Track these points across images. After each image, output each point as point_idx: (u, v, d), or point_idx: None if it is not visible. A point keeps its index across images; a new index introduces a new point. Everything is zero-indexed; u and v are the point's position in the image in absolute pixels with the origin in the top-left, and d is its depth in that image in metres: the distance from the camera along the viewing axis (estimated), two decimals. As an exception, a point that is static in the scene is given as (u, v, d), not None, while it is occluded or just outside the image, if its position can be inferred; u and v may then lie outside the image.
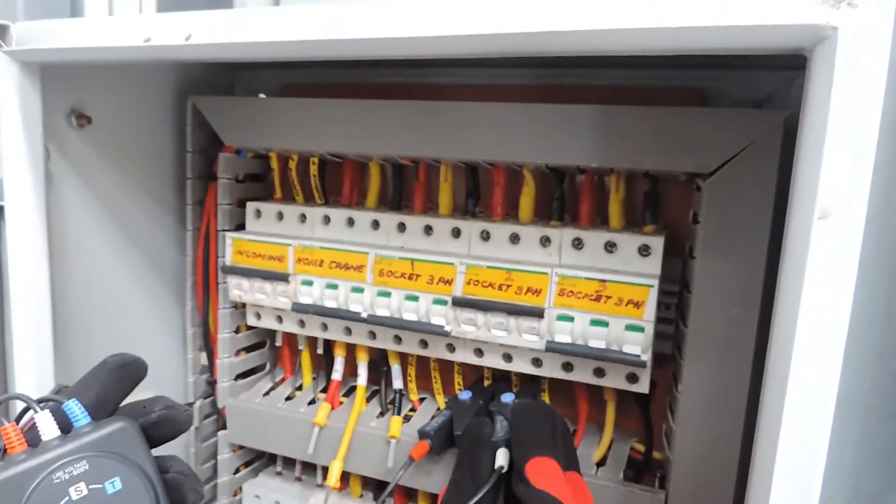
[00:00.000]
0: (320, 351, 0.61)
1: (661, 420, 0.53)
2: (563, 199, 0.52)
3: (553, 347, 0.47)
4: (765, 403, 0.32)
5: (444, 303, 0.50)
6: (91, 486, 0.30)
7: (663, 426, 0.53)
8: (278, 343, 0.63)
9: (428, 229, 0.52)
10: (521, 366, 0.51)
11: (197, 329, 0.62)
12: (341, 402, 0.59)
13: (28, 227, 0.46)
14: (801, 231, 0.29)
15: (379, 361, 0.59)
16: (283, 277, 0.55)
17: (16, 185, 0.45)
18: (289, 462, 0.66)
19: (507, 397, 0.50)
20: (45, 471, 0.29)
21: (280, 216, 0.57)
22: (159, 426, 0.33)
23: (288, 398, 0.61)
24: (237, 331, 0.62)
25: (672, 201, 0.51)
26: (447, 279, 0.50)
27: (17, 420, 0.32)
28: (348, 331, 0.56)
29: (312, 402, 0.60)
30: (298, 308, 0.54)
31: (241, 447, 0.64)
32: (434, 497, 0.58)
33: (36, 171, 0.46)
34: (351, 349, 0.59)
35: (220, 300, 0.60)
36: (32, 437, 0.31)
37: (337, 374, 0.59)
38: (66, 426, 0.31)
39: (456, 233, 0.51)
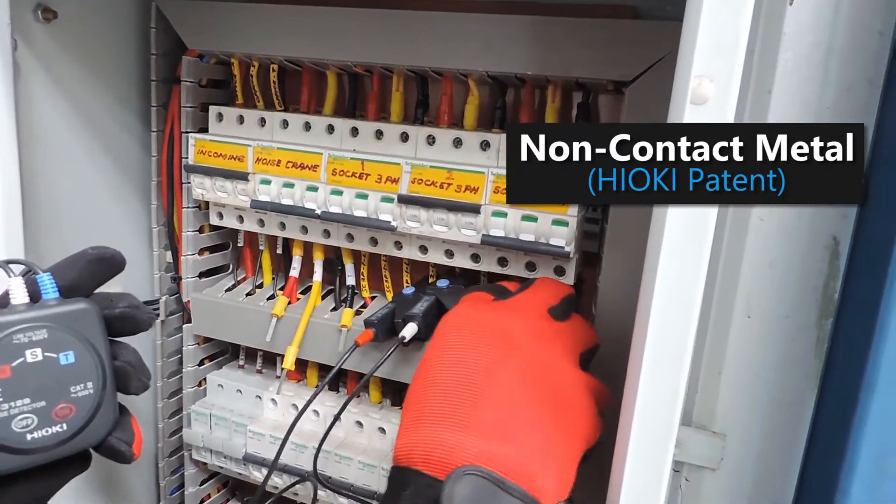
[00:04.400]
0: (280, 251, 0.65)
1: (588, 314, 0.58)
2: (505, 108, 0.56)
3: (488, 241, 0.51)
4: (643, 287, 0.37)
5: (390, 200, 0.54)
6: (46, 354, 0.32)
7: (589, 320, 0.58)
8: (240, 244, 0.67)
9: (379, 134, 0.56)
10: (462, 261, 0.55)
11: (162, 228, 0.66)
12: (298, 299, 0.64)
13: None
14: (676, 118, 0.33)
15: (334, 261, 0.64)
16: (243, 176, 0.58)
17: (-17, 73, 0.48)
18: (250, 356, 0.71)
19: (442, 282, 0.55)
20: (7, 329, 0.32)
21: (241, 120, 0.60)
22: (120, 321, 0.35)
23: (248, 294, 0.66)
24: (201, 230, 0.66)
25: (605, 113, 0.55)
26: (394, 178, 0.54)
27: None
28: (304, 230, 0.60)
29: (271, 297, 0.65)
30: (257, 205, 0.58)
31: (205, 340, 0.69)
32: (380, 381, 0.63)
33: (4, 60, 0.48)
34: (308, 249, 0.64)
35: (184, 200, 0.63)
36: (2, 300, 0.34)
37: (294, 271, 0.64)
38: (35, 297, 0.34)
39: (404, 137, 0.55)
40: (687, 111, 0.33)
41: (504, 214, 0.51)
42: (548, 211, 0.49)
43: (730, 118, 0.33)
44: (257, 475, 0.65)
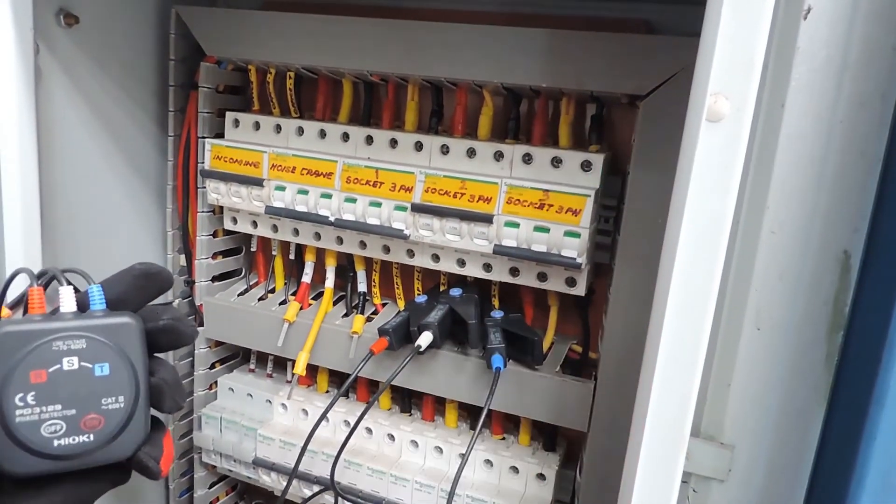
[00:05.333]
0: (292, 257, 0.66)
1: (599, 325, 0.59)
2: (519, 119, 0.56)
3: (500, 251, 0.52)
4: (655, 300, 0.37)
5: (404, 209, 0.54)
6: (82, 363, 0.33)
7: (600, 331, 0.58)
8: (253, 248, 0.68)
9: (393, 142, 0.57)
10: (474, 270, 0.56)
11: (176, 231, 0.67)
12: (310, 304, 0.65)
13: (18, 119, 0.50)
14: (692, 135, 0.34)
15: (346, 268, 0.64)
16: (258, 182, 0.59)
17: (6, 77, 0.48)
18: (261, 361, 0.71)
19: (455, 291, 0.56)
20: (50, 335, 0.32)
21: (257, 126, 0.61)
22: (163, 334, 0.35)
23: (261, 299, 0.66)
24: (214, 234, 0.67)
25: (619, 126, 0.56)
26: (408, 187, 0.54)
27: (45, 287, 0.35)
28: (317, 236, 0.61)
29: (283, 302, 0.65)
30: (271, 211, 0.59)
31: (217, 343, 0.69)
32: (390, 388, 0.64)
33: (26, 64, 0.49)
34: (320, 255, 0.64)
35: (199, 204, 0.64)
36: (52, 306, 0.34)
37: (307, 277, 0.64)
38: (83, 307, 0.34)
39: (418, 146, 0.56)
40: (703, 129, 0.33)
41: (516, 225, 0.51)
42: (560, 222, 0.50)
43: (745, 136, 0.33)
44: (266, 479, 0.66)
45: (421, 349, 0.52)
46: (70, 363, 0.33)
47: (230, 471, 0.69)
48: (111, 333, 0.34)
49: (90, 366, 0.33)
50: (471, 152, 0.54)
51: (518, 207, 0.51)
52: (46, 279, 0.36)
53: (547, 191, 0.50)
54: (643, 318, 0.51)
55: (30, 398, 0.33)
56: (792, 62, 0.39)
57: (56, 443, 0.33)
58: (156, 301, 0.37)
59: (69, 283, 0.35)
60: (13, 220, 0.51)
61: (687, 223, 0.34)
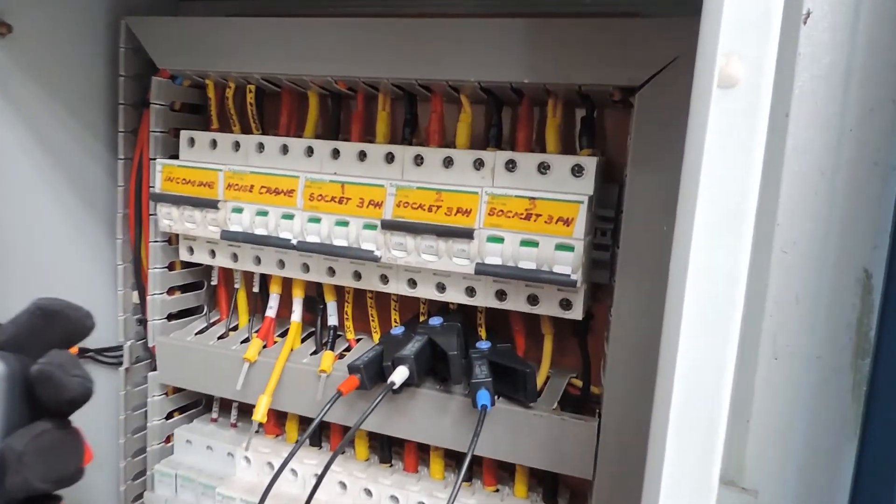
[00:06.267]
0: (256, 289, 0.59)
1: (600, 355, 0.52)
2: (500, 127, 0.51)
3: (483, 270, 0.45)
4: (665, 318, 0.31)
5: (374, 227, 0.48)
6: None
7: (602, 362, 0.51)
8: (214, 282, 0.61)
9: (362, 155, 0.51)
10: (455, 295, 0.49)
11: (128, 265, 0.60)
12: (275, 342, 0.58)
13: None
14: (700, 108, 0.28)
15: (315, 300, 0.58)
16: (213, 204, 0.53)
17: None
18: (224, 408, 0.64)
19: (435, 320, 0.49)
20: None
21: (214, 144, 0.55)
22: (39, 384, 0.28)
23: (221, 337, 0.59)
24: (171, 267, 0.60)
25: (611, 132, 0.50)
26: (377, 202, 0.48)
27: None
28: (281, 264, 0.54)
29: (246, 341, 0.58)
30: (228, 236, 0.53)
31: (174, 390, 0.62)
32: (367, 435, 0.56)
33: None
34: (287, 286, 0.58)
35: (152, 233, 0.58)
36: None
37: (271, 310, 0.57)
38: None
39: (389, 158, 0.50)
40: (714, 98, 0.27)
41: (500, 240, 0.45)
42: (551, 233, 0.43)
43: (765, 102, 0.27)
44: (227, 545, 0.57)
45: (395, 386, 0.45)
46: None
47: (187, 537, 0.60)
48: None
49: None
50: (447, 162, 0.48)
51: (502, 219, 0.45)
52: None
53: (534, 199, 0.44)
54: (651, 343, 0.44)
55: None
56: (794, 69, 0.34)
57: None
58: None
59: None
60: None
61: (700, 217, 0.28)
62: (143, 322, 0.60)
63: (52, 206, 0.56)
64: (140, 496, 0.64)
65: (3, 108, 0.51)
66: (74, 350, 0.30)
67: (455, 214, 0.46)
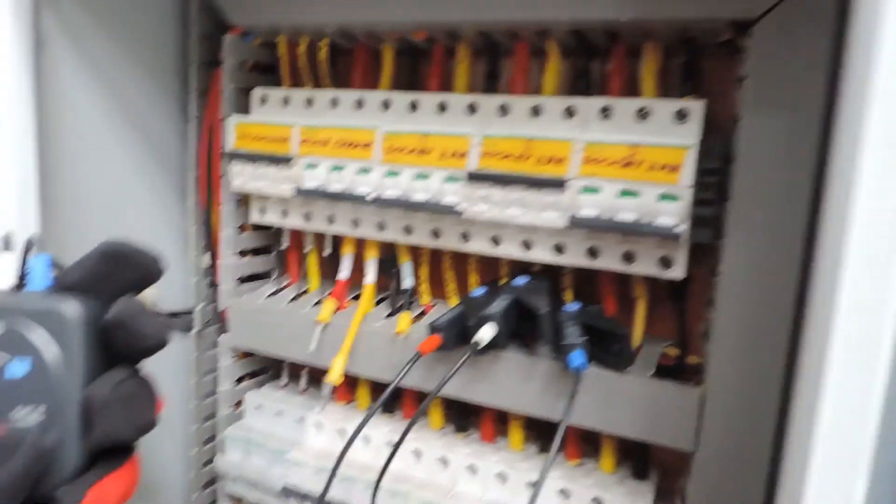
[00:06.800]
0: (328, 252, 0.57)
1: (698, 322, 0.48)
2: (589, 77, 0.47)
3: (577, 222, 0.42)
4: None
5: (456, 180, 0.45)
6: None
7: (704, 328, 0.47)
8: (284, 246, 0.60)
9: (442, 107, 0.48)
10: (542, 254, 0.46)
11: (199, 227, 0.59)
12: (348, 305, 0.56)
13: (13, 86, 0.43)
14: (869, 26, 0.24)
15: (389, 262, 0.55)
16: (287, 160, 0.51)
17: (2, 41, 0.42)
18: (294, 375, 0.63)
19: (521, 279, 0.46)
20: None
21: (286, 101, 0.54)
22: (113, 331, 0.27)
23: (292, 300, 0.58)
24: (242, 229, 0.59)
25: (715, 78, 0.46)
26: (461, 153, 0.45)
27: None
28: (356, 223, 0.52)
29: (317, 304, 0.56)
30: (302, 193, 0.51)
31: (245, 355, 0.61)
32: (443, 402, 0.54)
33: (26, 27, 0.43)
34: (360, 248, 0.56)
35: (224, 195, 0.57)
36: None
37: (344, 272, 0.55)
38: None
39: (471, 109, 0.47)
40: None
41: (597, 190, 0.41)
42: (654, 182, 0.40)
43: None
44: (299, 513, 0.56)
45: (480, 345, 0.42)
46: None
47: (257, 504, 0.59)
48: (42, 321, 0.25)
49: (9, 357, 0.25)
50: (535, 110, 0.45)
51: (598, 168, 0.41)
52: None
53: (636, 144, 0.40)
54: (764, 306, 0.40)
55: None
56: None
57: None
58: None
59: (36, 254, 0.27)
60: (7, 211, 0.44)
61: (868, 161, 0.24)
62: (213, 285, 0.59)
63: (123, 163, 0.55)
64: (210, 461, 0.63)
65: (78, 60, 0.50)
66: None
67: (546, 164, 0.43)
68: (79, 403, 0.26)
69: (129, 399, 0.27)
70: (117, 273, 0.28)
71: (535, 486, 0.39)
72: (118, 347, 0.27)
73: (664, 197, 0.40)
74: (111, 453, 0.28)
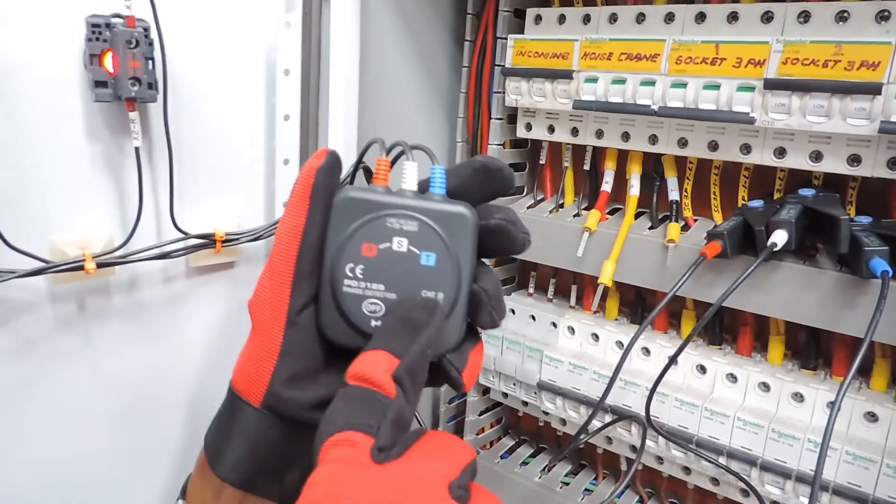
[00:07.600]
0: (587, 167, 0.60)
1: None
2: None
3: (888, 128, 0.41)
4: None
5: (751, 88, 0.46)
6: (410, 248, 0.31)
7: None
8: (542, 161, 0.64)
9: (732, 17, 0.48)
10: (833, 165, 0.46)
11: (464, 144, 0.65)
12: (607, 219, 0.59)
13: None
14: None
15: (651, 177, 0.57)
16: (567, 75, 0.54)
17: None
18: (541, 286, 0.67)
19: (807, 190, 0.46)
20: (386, 210, 0.30)
21: (562, 19, 0.57)
22: (492, 235, 0.31)
23: (550, 212, 0.62)
24: (502, 147, 0.63)
25: None
26: (758, 61, 0.46)
27: (393, 163, 0.34)
28: (626, 136, 0.55)
29: (576, 216, 0.60)
30: (580, 105, 0.54)
31: (496, 262, 0.66)
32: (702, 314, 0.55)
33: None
34: (621, 162, 0.58)
35: (494, 110, 0.61)
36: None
37: (607, 185, 0.58)
38: (423, 188, 0.32)
39: (767, 18, 0.47)
40: None
41: (917, 93, 0.40)
42: None
43: None
44: (549, 406, 0.61)
45: (777, 247, 0.43)
46: (399, 244, 0.31)
47: (505, 395, 0.65)
48: (444, 222, 0.31)
49: (417, 252, 0.31)
50: (840, 17, 0.44)
51: (924, 70, 0.40)
52: (396, 153, 0.35)
53: (974, 43, 0.39)
54: None
55: (358, 271, 0.31)
56: None
57: (373, 323, 0.31)
58: None
59: (414, 161, 0.32)
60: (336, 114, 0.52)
61: None
62: (475, 197, 0.65)
63: (408, 85, 0.62)
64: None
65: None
66: None
67: (858, 69, 0.42)
68: (467, 293, 0.31)
69: (502, 295, 0.33)
70: (486, 183, 0.32)
71: (833, 405, 0.39)
72: (493, 249, 0.32)
73: None
74: (470, 333, 0.33)
